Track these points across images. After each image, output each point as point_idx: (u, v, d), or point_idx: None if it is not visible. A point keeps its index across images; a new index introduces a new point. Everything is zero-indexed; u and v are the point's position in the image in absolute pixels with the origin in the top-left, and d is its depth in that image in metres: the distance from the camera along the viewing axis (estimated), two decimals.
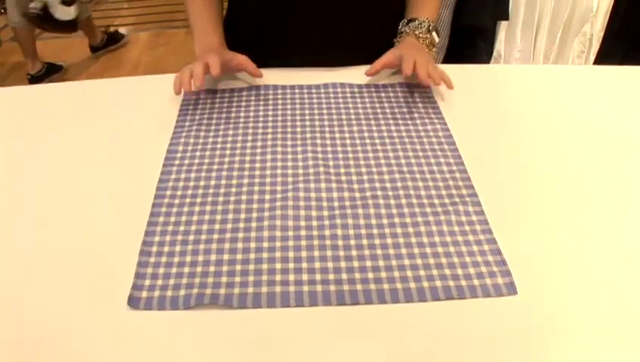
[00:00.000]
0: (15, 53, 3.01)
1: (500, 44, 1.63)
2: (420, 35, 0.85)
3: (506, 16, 1.54)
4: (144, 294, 0.52)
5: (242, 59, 0.83)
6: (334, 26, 0.90)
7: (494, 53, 1.66)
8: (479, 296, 0.51)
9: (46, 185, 0.67)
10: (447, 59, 1.66)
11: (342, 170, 0.67)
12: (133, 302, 0.51)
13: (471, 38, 1.65)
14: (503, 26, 1.60)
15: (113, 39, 2.95)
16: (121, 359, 0.47)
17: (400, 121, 0.76)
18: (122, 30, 3.03)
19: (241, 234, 0.58)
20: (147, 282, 0.53)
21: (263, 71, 0.88)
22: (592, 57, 1.68)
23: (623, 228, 0.59)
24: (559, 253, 0.56)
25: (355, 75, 0.87)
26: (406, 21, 0.88)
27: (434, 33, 0.86)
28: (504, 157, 0.70)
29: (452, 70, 0.88)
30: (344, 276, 0.52)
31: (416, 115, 0.77)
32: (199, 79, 0.74)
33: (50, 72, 2.74)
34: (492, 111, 0.80)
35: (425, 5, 0.90)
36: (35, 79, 2.67)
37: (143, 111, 0.80)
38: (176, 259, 0.55)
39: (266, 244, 0.56)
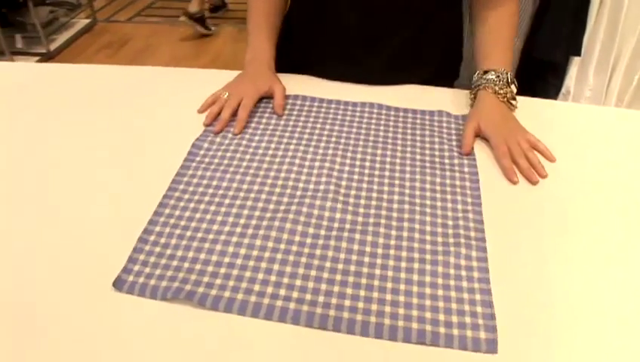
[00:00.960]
0: (107, 34, 3.23)
1: (570, 81, 1.55)
2: (500, 92, 0.79)
3: (577, 52, 1.46)
4: (130, 278, 0.54)
5: (277, 90, 0.83)
6: (381, 40, 0.89)
7: (563, 90, 1.57)
8: (454, 346, 0.48)
9: (61, 166, 0.71)
10: None
11: (352, 192, 0.66)
12: (118, 284, 0.53)
13: (540, 71, 1.58)
14: (575, 62, 1.52)
15: (202, 20, 3.13)
16: (97, 335, 0.49)
17: (427, 151, 0.74)
18: (212, 27, 3.20)
19: (234, 239, 0.59)
20: (136, 267, 0.55)
21: (305, 78, 0.90)
22: None
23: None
24: (559, 324, 0.51)
25: (396, 94, 0.86)
26: (481, 72, 0.82)
27: (513, 86, 0.81)
28: (533, 204, 0.66)
29: (523, 102, 0.84)
30: (320, 299, 0.52)
31: (446, 147, 0.75)
32: (220, 126, 0.77)
33: (200, 20, 3.12)
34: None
35: (499, 50, 0.84)
36: (189, 16, 3.06)
37: (182, 103, 0.84)
38: (168, 251, 0.57)
39: (255, 253, 0.57)
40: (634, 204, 0.66)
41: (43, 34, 2.80)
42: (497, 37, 0.86)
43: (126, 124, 0.79)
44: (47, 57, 2.84)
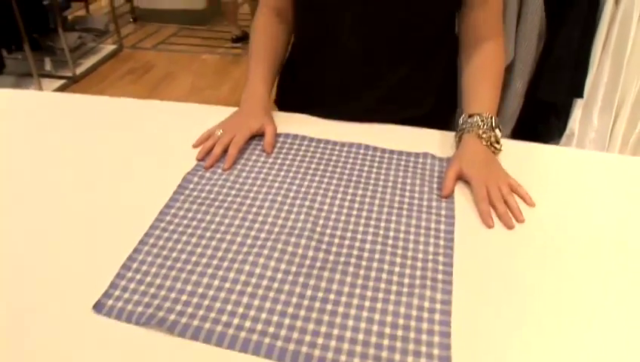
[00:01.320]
0: (131, 60, 3.36)
1: (574, 123, 1.56)
2: (483, 136, 0.81)
3: (580, 94, 1.48)
4: (110, 302, 0.58)
5: (268, 130, 0.86)
6: (380, 77, 0.93)
7: (567, 131, 1.59)
8: None
9: (55, 190, 0.76)
10: (517, 132, 1.62)
11: (328, 231, 0.69)
12: (97, 308, 0.57)
13: (544, 112, 1.60)
14: (579, 104, 1.53)
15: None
16: (75, 354, 0.52)
17: (407, 193, 0.77)
18: None
19: (210, 271, 0.62)
20: (117, 293, 0.59)
21: (301, 117, 0.94)
22: None
23: None
24: None
25: (386, 134, 0.89)
26: (466, 116, 0.84)
27: (497, 130, 0.83)
28: (508, 250, 0.67)
29: (512, 146, 0.86)
30: (282, 332, 0.54)
31: (426, 189, 0.78)
32: (211, 162, 0.81)
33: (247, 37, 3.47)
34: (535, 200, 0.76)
35: (484, 92, 0.87)
36: (236, 40, 3.52)
37: (183, 137, 0.88)
38: (147, 279, 0.61)
39: (227, 285, 0.60)
40: (618, 257, 0.66)
41: (71, 58, 2.93)
42: (481, 78, 0.88)
43: (126, 154, 0.84)
44: (72, 81, 2.97)
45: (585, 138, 1.61)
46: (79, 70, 3.04)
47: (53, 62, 2.98)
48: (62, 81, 2.93)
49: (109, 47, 3.36)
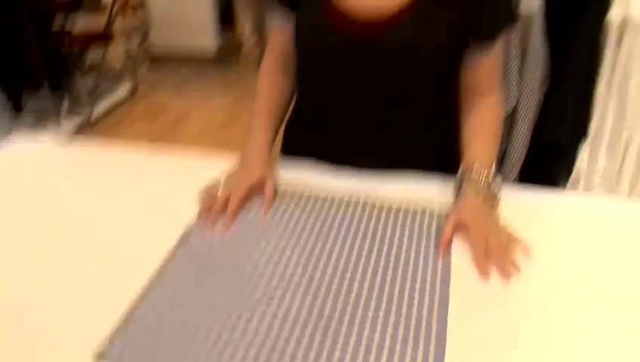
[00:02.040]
0: (146, 102, 3.43)
1: (582, 163, 1.56)
2: (480, 193, 0.82)
3: (584, 133, 1.48)
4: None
5: (267, 188, 0.87)
6: (382, 132, 0.95)
7: (574, 173, 1.58)
8: None
9: (71, 229, 0.80)
10: (524, 175, 1.61)
11: (323, 286, 0.70)
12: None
13: (549, 154, 1.59)
14: (585, 145, 1.53)
15: None
16: None
17: (403, 252, 0.77)
18: None
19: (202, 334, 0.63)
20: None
21: (300, 163, 0.97)
22: None
23: None
24: None
25: (388, 189, 0.91)
26: (464, 170, 0.85)
27: (493, 184, 0.83)
28: (504, 304, 0.67)
29: (513, 193, 0.88)
30: None
31: (422, 249, 0.78)
32: (212, 228, 0.82)
33: None
34: (534, 253, 0.76)
35: (483, 143, 0.89)
36: None
37: (185, 188, 0.90)
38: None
39: (216, 335, 0.62)
40: (615, 315, 0.65)
41: (88, 101, 3.03)
42: (478, 134, 0.90)
43: (130, 207, 0.88)
44: (88, 121, 3.05)
45: (592, 180, 1.60)
46: (96, 111, 3.13)
47: (71, 102, 3.07)
48: (80, 121, 3.01)
49: (124, 89, 3.46)
